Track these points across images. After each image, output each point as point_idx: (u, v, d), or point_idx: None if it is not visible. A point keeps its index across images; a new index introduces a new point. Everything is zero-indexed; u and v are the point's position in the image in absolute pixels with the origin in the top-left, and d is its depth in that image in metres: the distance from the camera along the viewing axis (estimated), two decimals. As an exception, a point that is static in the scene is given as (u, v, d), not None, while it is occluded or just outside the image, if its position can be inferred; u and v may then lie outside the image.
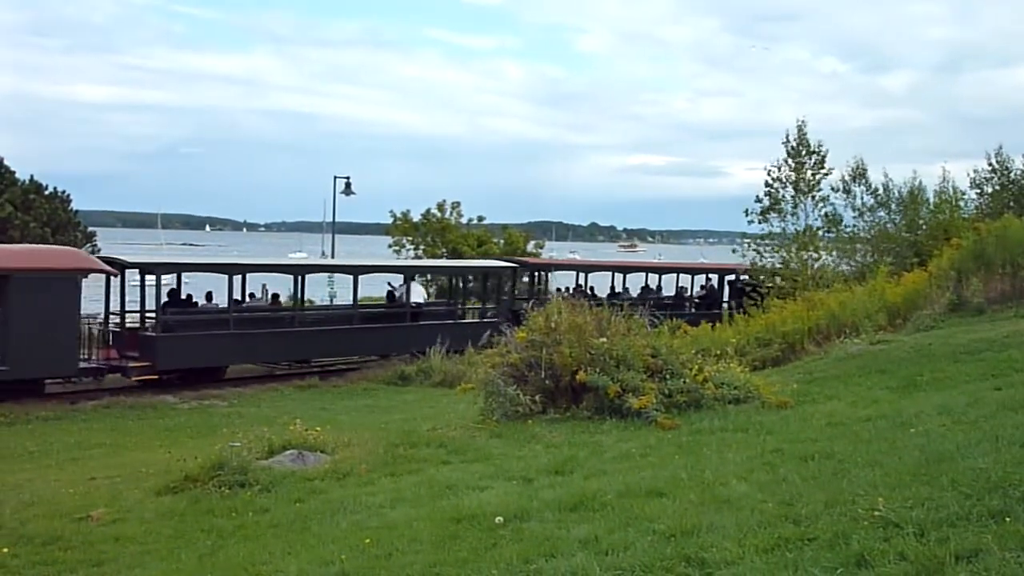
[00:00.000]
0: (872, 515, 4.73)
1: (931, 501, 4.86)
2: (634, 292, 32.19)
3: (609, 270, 34.65)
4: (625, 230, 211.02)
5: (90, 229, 37.12)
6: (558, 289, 30.77)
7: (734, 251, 33.39)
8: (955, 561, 4.00)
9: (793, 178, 29.96)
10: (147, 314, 21.97)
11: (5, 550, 6.98)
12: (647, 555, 4.77)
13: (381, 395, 21.25)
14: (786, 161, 30.01)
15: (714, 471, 6.78)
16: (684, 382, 10.60)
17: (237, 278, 22.73)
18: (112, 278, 20.74)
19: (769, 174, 30.25)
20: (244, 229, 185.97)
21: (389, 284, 26.89)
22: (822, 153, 29.99)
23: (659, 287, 33.21)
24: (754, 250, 30.41)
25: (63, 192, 34.65)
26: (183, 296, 23.23)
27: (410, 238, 39.16)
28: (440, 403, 17.59)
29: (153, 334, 20.62)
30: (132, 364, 20.06)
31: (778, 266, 29.56)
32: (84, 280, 19.24)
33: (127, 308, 21.64)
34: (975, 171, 28.58)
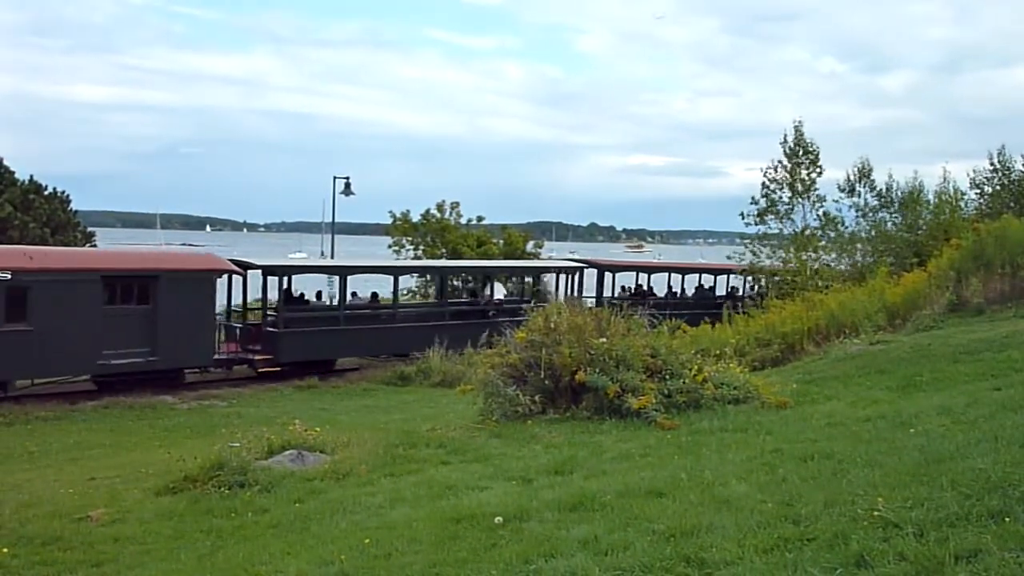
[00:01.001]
0: (871, 515, 4.73)
1: (930, 501, 4.86)
2: (689, 292, 34.84)
3: (666, 271, 36.48)
4: (624, 230, 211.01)
5: (89, 229, 37.07)
6: (623, 288, 33.61)
7: (729, 257, 33.49)
8: (954, 561, 4.00)
9: (789, 179, 30.04)
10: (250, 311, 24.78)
11: (5, 550, 6.98)
12: (647, 555, 4.77)
13: (381, 395, 21.27)
14: (781, 163, 30.10)
15: (714, 471, 6.77)
16: (684, 382, 10.60)
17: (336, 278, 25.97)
18: (228, 278, 23.01)
19: (765, 175, 30.34)
20: (244, 229, 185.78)
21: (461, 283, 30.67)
22: (815, 152, 30.08)
23: (712, 287, 35.50)
24: (751, 251, 30.48)
25: (63, 192, 34.60)
26: (294, 295, 25.23)
27: (409, 238, 39.15)
28: (440, 403, 17.61)
29: (275, 330, 23.02)
30: (257, 357, 22.54)
31: (777, 266, 29.62)
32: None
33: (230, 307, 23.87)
34: (975, 171, 28.64)
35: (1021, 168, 27.77)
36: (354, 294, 26.98)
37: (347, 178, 34.67)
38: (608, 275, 33.30)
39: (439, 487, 7.68)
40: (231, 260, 23.26)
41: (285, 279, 24.37)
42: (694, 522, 5.25)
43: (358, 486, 8.25)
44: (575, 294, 29.20)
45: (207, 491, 8.47)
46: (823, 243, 30.46)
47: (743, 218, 30.97)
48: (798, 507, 5.28)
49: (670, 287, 34.79)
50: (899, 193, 28.74)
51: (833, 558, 4.29)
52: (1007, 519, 4.39)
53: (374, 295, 28.15)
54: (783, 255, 29.92)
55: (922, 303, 17.66)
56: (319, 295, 26.62)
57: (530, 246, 41.89)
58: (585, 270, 31.03)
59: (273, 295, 24.49)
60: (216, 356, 21.87)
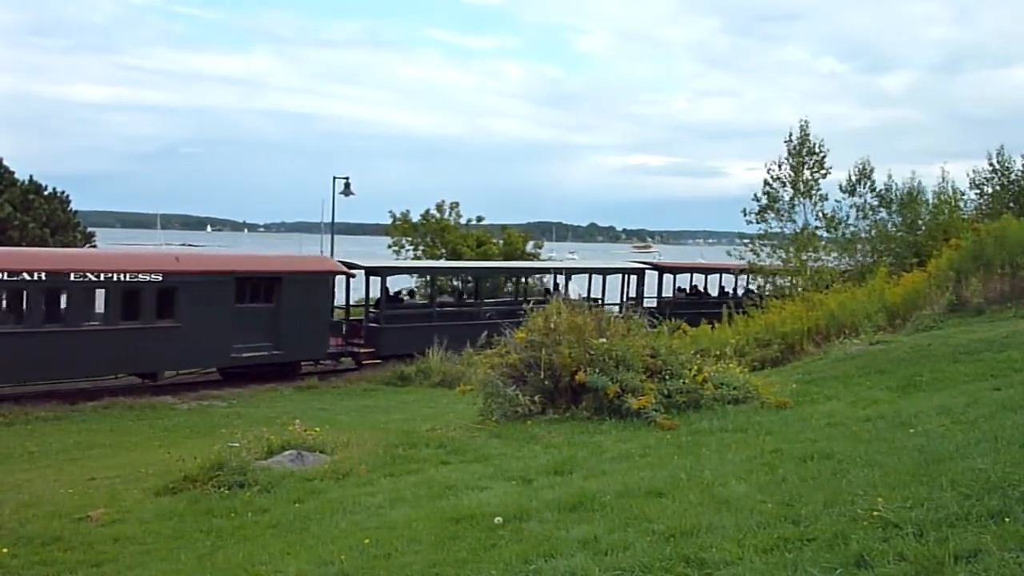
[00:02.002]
0: (871, 515, 4.73)
1: (930, 501, 4.86)
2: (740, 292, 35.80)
3: (719, 272, 37.38)
4: (624, 230, 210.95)
5: (89, 229, 37.03)
6: (680, 289, 35.40)
7: (729, 254, 33.50)
8: (954, 561, 4.00)
9: (792, 178, 30.00)
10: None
11: (4, 550, 6.98)
12: (646, 555, 4.77)
13: (380, 395, 21.28)
14: (787, 159, 30.04)
15: (713, 471, 6.77)
16: (683, 382, 10.60)
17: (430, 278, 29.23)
18: (339, 277, 25.13)
19: (769, 172, 30.29)
20: (245, 230, 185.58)
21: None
22: (822, 154, 30.03)
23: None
24: (751, 251, 30.45)
25: (62, 192, 34.55)
26: (391, 294, 27.44)
27: (409, 238, 39.16)
28: (439, 403, 17.62)
29: (377, 325, 25.21)
30: (361, 350, 24.66)
31: (776, 266, 29.60)
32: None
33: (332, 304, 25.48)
34: (974, 171, 28.61)
35: (1021, 168, 27.77)
36: (409, 292, 29.79)
37: (347, 178, 34.66)
38: (667, 276, 35.28)
39: (439, 487, 7.68)
40: (340, 261, 26.03)
41: (381, 278, 26.75)
42: (694, 522, 5.25)
43: (358, 486, 8.24)
44: (639, 294, 32.54)
45: (207, 491, 8.47)
46: (823, 243, 30.44)
47: (745, 215, 30.94)
48: (798, 507, 5.28)
49: (722, 287, 35.80)
50: (898, 193, 28.73)
51: (833, 558, 4.29)
52: (1007, 519, 4.39)
53: (459, 294, 31.38)
54: (783, 255, 29.89)
55: (922, 303, 17.66)
56: (412, 293, 29.49)
57: (530, 246, 41.91)
58: (646, 271, 33.56)
59: (354, 295, 27.46)
60: (328, 350, 24.06)
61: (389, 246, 39.82)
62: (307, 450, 9.64)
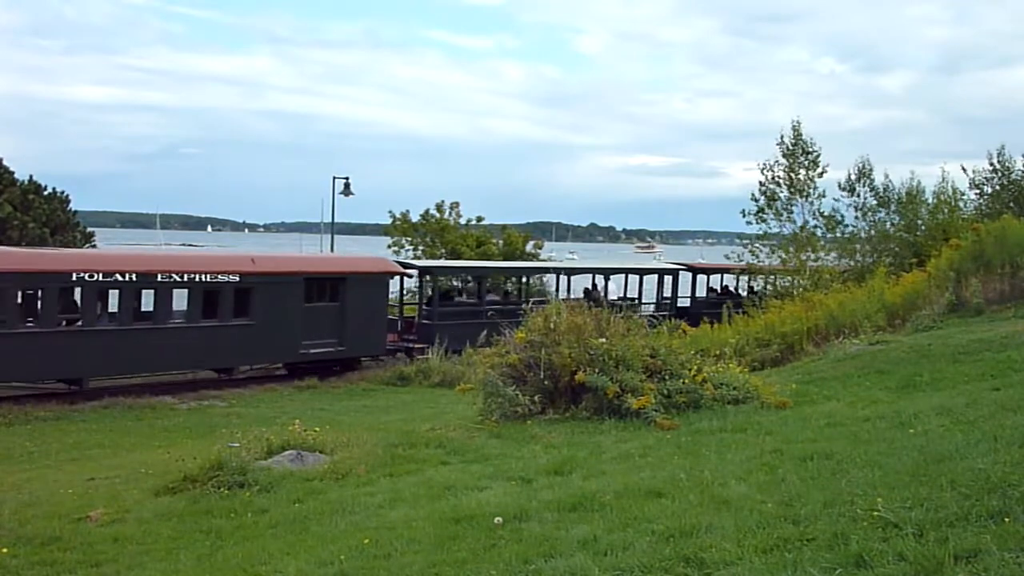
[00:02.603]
0: (871, 515, 4.73)
1: (930, 501, 4.86)
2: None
3: (749, 273, 38.19)
4: (624, 230, 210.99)
5: (89, 229, 37.01)
6: (712, 289, 36.50)
7: (727, 256, 33.46)
8: (954, 561, 4.00)
9: (788, 178, 29.98)
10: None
11: (4, 550, 6.97)
12: (646, 555, 4.77)
13: (380, 395, 21.27)
14: (778, 161, 30.03)
15: (713, 471, 6.77)
16: (683, 382, 10.59)
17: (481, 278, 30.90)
18: (390, 278, 26.49)
19: (763, 172, 30.28)
20: (246, 230, 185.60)
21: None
22: (815, 153, 30.01)
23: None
24: (751, 251, 30.43)
25: (62, 192, 34.52)
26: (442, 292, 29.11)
27: (409, 239, 39.16)
28: (439, 403, 17.61)
29: (430, 322, 26.23)
30: (415, 346, 25.66)
31: (776, 266, 29.59)
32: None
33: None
34: (974, 171, 28.59)
35: (1021, 168, 27.76)
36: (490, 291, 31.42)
37: (346, 178, 34.68)
38: (701, 277, 36.39)
39: (438, 487, 7.68)
40: (397, 262, 27.91)
41: (435, 277, 28.62)
42: (693, 522, 5.25)
43: (357, 486, 8.24)
44: (674, 295, 33.95)
45: (206, 491, 8.46)
46: (822, 243, 30.43)
47: (744, 215, 30.93)
48: (797, 507, 5.28)
49: (750, 287, 36.23)
50: (896, 193, 28.73)
51: (832, 558, 4.29)
52: (1007, 519, 4.39)
53: (506, 292, 32.87)
54: (782, 255, 29.88)
55: (921, 303, 17.65)
56: (460, 292, 31.01)
57: (529, 246, 41.92)
58: (681, 272, 34.95)
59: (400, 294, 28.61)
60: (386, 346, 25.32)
61: (388, 246, 39.82)
62: (307, 450, 9.63)
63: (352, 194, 34.70)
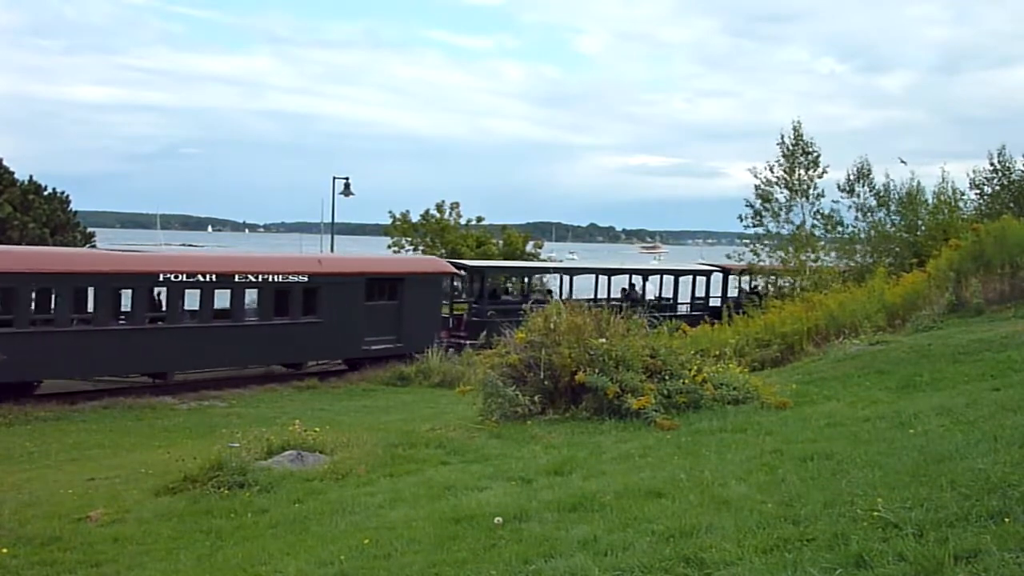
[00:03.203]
0: (871, 515, 4.73)
1: (930, 502, 4.86)
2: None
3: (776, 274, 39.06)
4: (624, 230, 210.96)
5: (89, 230, 37.00)
6: (742, 289, 36.99)
7: (728, 257, 33.47)
8: (954, 562, 4.00)
9: (786, 179, 29.97)
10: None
11: (4, 551, 6.97)
12: (646, 556, 4.77)
13: (380, 396, 21.26)
14: (778, 161, 30.03)
15: (713, 472, 6.77)
16: (683, 383, 10.59)
17: (528, 278, 33.58)
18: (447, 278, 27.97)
19: (757, 176, 30.30)
20: (246, 230, 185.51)
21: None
22: (815, 153, 30.00)
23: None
24: (751, 251, 30.44)
25: (62, 192, 34.52)
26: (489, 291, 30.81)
27: (409, 239, 39.18)
28: (439, 404, 17.60)
29: (478, 319, 27.81)
30: (465, 342, 26.36)
31: (776, 266, 29.59)
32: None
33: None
34: (974, 171, 28.57)
35: (1021, 168, 27.73)
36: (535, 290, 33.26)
37: (346, 178, 34.69)
38: (732, 278, 37.01)
39: (438, 487, 7.68)
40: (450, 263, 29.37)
41: (483, 277, 30.77)
42: (693, 522, 5.25)
43: (357, 486, 8.24)
44: (707, 295, 35.39)
45: (206, 491, 8.46)
46: (822, 243, 30.43)
47: (741, 220, 31.02)
48: (798, 507, 5.28)
49: (779, 287, 36.71)
50: (895, 194, 28.71)
51: (832, 558, 4.29)
52: (1007, 519, 4.39)
53: (549, 291, 33.87)
54: (782, 255, 29.88)
55: (921, 304, 17.64)
56: (506, 290, 32.88)
57: (529, 246, 41.94)
58: (713, 273, 36.33)
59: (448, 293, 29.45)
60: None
61: (388, 246, 39.86)
62: (307, 450, 9.63)
63: (352, 194, 34.71)
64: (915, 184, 28.51)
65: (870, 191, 29.36)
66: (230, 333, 21.78)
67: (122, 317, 20.90)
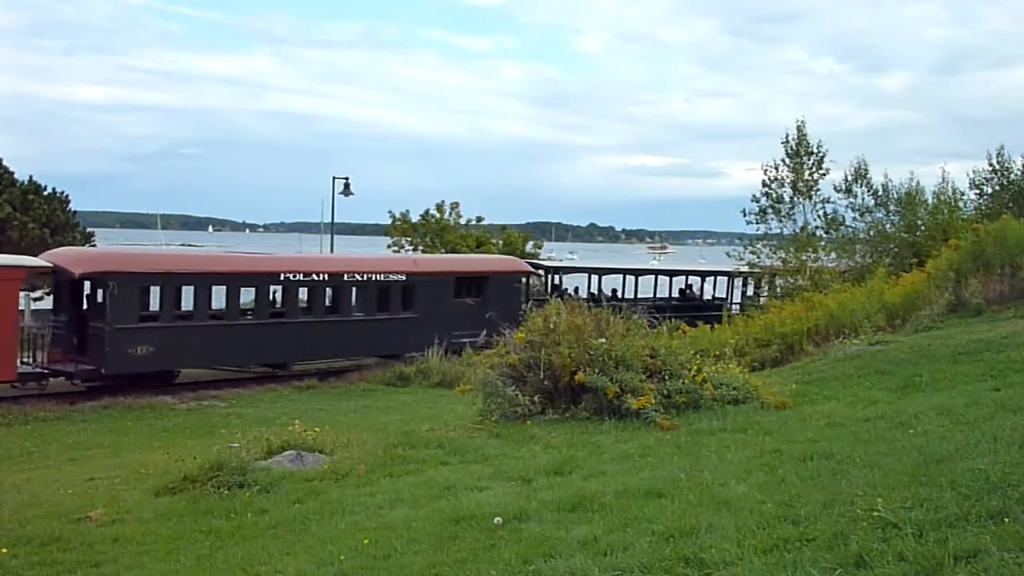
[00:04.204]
0: (871, 516, 4.73)
1: (930, 502, 4.86)
2: None
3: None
4: (624, 230, 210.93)
5: (89, 230, 37.01)
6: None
7: (729, 255, 33.39)
8: (954, 562, 4.00)
9: (792, 179, 29.92)
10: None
11: (4, 551, 6.97)
12: (646, 556, 4.77)
13: (380, 396, 21.25)
14: (783, 161, 29.97)
15: (713, 472, 6.77)
16: (683, 383, 10.58)
17: (598, 278, 35.38)
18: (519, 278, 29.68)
19: (766, 173, 30.24)
20: (247, 230, 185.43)
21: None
22: (821, 153, 29.94)
23: None
24: (752, 251, 30.40)
25: (62, 193, 34.54)
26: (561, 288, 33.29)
27: (408, 239, 39.20)
28: (439, 404, 17.60)
29: None
30: None
31: (777, 266, 29.57)
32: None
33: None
34: (974, 171, 28.57)
35: (1020, 168, 27.73)
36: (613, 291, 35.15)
37: (346, 178, 34.73)
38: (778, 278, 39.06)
39: (438, 487, 7.67)
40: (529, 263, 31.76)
41: (555, 277, 33.70)
42: (693, 523, 5.25)
43: (357, 486, 8.24)
44: (757, 294, 37.27)
45: (206, 492, 8.46)
46: (823, 243, 30.41)
47: (744, 216, 30.90)
48: (797, 507, 5.28)
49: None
50: (895, 194, 28.69)
51: (832, 558, 4.29)
52: (1006, 519, 4.39)
53: (576, 289, 35.36)
54: (783, 255, 29.85)
55: (921, 304, 17.64)
56: (576, 290, 34.17)
57: (529, 246, 41.97)
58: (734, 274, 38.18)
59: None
60: None
61: (388, 246, 39.88)
62: (306, 450, 9.63)
63: (352, 194, 34.75)
64: (915, 184, 28.52)
65: (868, 191, 29.33)
66: (339, 327, 23.89)
67: (249, 313, 23.27)
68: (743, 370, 12.19)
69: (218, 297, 22.57)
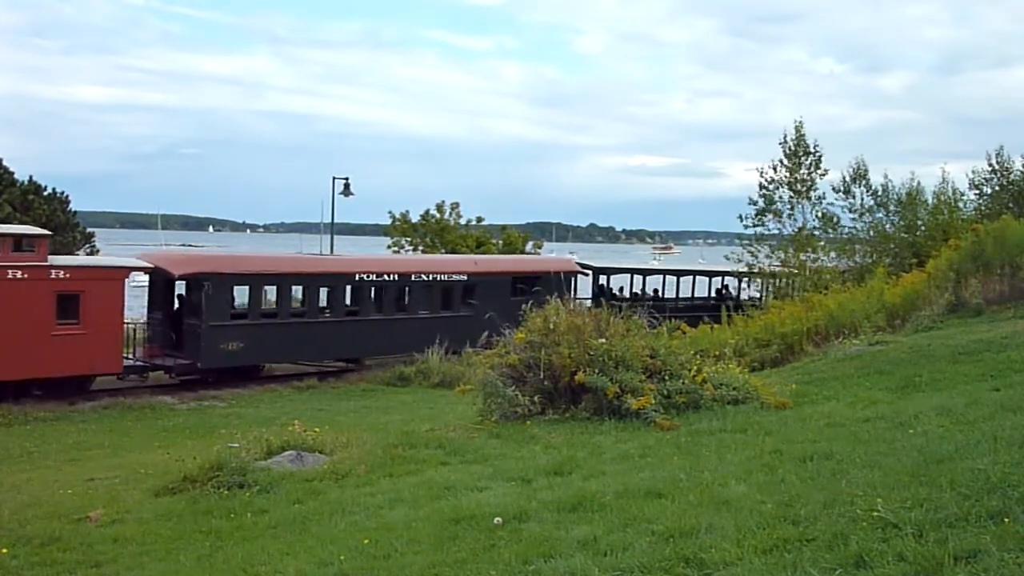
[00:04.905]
0: (871, 516, 4.73)
1: (930, 502, 4.86)
2: None
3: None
4: (624, 231, 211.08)
5: (89, 230, 37.02)
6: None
7: (727, 257, 33.34)
8: (954, 562, 4.00)
9: (789, 179, 29.90)
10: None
11: (4, 551, 6.98)
12: (646, 556, 4.77)
13: (380, 396, 21.27)
14: (781, 162, 29.95)
15: (713, 472, 6.77)
16: (683, 383, 10.58)
17: (641, 278, 36.85)
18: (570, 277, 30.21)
19: (762, 175, 30.24)
20: (247, 231, 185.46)
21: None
22: (818, 154, 29.91)
23: None
24: (750, 252, 30.38)
25: (62, 193, 34.57)
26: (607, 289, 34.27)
27: (408, 239, 39.19)
28: (439, 404, 17.61)
29: None
30: None
31: (775, 267, 29.55)
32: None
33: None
34: (974, 172, 28.55)
35: (1020, 169, 27.72)
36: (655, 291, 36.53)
37: (346, 179, 34.68)
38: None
39: (438, 488, 7.67)
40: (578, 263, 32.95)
41: (603, 277, 34.99)
42: (693, 523, 5.25)
43: (357, 487, 8.24)
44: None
45: (206, 492, 8.46)
46: (822, 244, 30.39)
47: (741, 220, 30.94)
48: (797, 508, 5.28)
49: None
50: (894, 194, 28.67)
51: (832, 559, 4.29)
52: (1006, 520, 4.38)
53: (620, 289, 36.77)
54: (782, 255, 29.84)
55: (921, 304, 17.64)
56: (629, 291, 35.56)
57: (529, 247, 41.97)
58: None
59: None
60: None
61: (388, 246, 39.87)
62: (306, 450, 9.63)
63: (352, 194, 34.71)
64: (915, 184, 28.51)
65: (867, 191, 29.30)
66: (408, 324, 25.52)
67: (326, 311, 24.91)
68: (743, 370, 12.19)
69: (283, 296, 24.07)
